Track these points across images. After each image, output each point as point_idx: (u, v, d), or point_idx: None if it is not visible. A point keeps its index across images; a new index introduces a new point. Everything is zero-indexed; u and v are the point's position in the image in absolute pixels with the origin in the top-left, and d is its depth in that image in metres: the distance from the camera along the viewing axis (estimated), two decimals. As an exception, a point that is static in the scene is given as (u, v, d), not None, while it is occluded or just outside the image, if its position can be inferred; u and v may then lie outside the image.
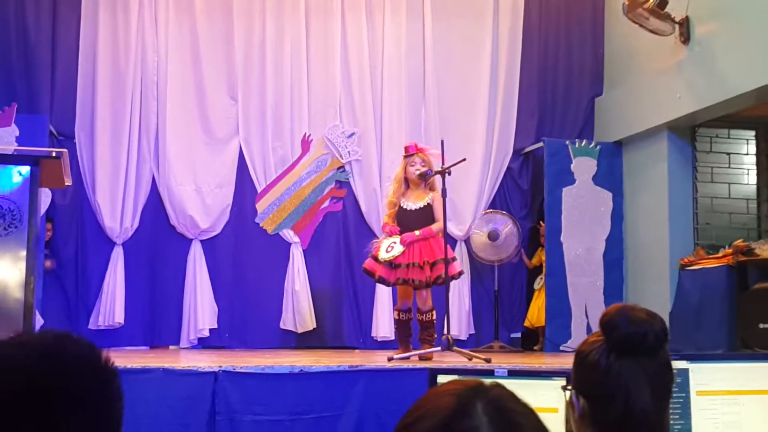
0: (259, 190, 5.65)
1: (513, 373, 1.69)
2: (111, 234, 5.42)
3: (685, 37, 4.92)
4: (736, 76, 4.44)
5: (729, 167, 5.28)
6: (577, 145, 5.64)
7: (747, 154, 5.44)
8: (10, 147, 4.37)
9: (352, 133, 5.74)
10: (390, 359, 3.60)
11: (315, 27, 5.77)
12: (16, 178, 3.02)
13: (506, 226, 5.60)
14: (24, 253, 3.02)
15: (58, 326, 5.23)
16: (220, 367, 3.03)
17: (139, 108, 5.52)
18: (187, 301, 5.46)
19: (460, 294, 5.57)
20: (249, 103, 5.66)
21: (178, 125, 5.54)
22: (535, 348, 5.64)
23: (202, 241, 5.55)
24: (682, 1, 4.85)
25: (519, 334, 5.82)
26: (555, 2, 6.06)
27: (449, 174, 3.80)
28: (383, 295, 5.46)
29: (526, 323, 5.77)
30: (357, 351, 5.39)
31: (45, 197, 4.88)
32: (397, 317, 4.14)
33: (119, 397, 0.71)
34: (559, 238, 5.51)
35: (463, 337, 5.56)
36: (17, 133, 4.80)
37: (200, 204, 5.53)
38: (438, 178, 3.95)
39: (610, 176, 5.64)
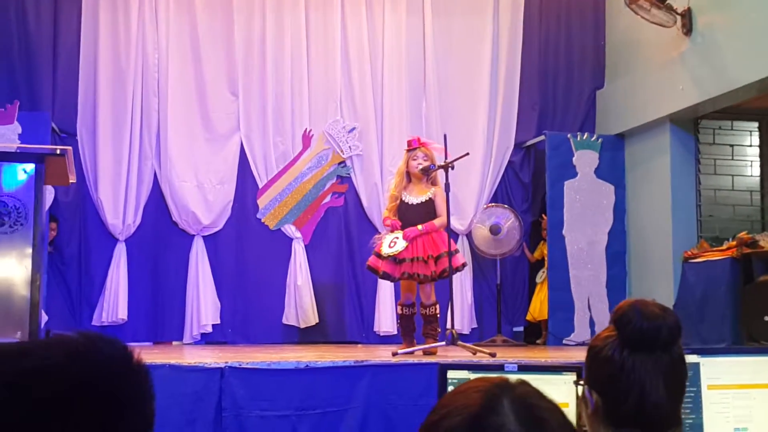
0: (260, 186, 5.65)
1: (523, 368, 1.69)
2: (113, 231, 5.43)
3: (687, 29, 4.91)
4: (738, 67, 4.43)
5: (732, 159, 5.28)
6: (578, 138, 5.64)
7: (750, 145, 5.44)
8: (13, 145, 4.37)
9: (353, 128, 5.73)
10: (394, 354, 3.60)
11: (315, 22, 5.76)
12: (21, 176, 3.01)
13: (508, 220, 5.60)
14: (30, 250, 3.02)
15: (62, 323, 5.27)
16: (226, 363, 3.03)
17: (140, 105, 5.51)
18: (189, 297, 5.47)
19: (462, 288, 5.58)
20: (250, 98, 5.65)
21: (179, 122, 5.54)
22: (538, 342, 5.65)
23: (204, 237, 5.55)
24: (684, -7, 4.84)
25: (521, 328, 5.83)
26: (556, -6, 6.05)
27: (452, 168, 3.80)
28: (385, 289, 5.47)
29: (529, 317, 5.78)
30: (360, 346, 5.40)
31: (48, 195, 4.88)
32: (400, 312, 4.14)
33: (152, 396, 0.71)
34: (561, 232, 5.51)
35: (466, 331, 5.56)
36: (20, 130, 4.79)
37: (202, 200, 5.53)
38: (441, 173, 3.94)
39: (612, 169, 5.63)
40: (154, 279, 5.51)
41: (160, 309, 5.49)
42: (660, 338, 1.23)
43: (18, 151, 3.60)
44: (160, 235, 5.53)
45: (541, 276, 5.74)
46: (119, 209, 5.42)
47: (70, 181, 3.35)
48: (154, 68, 5.55)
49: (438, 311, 4.08)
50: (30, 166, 3.05)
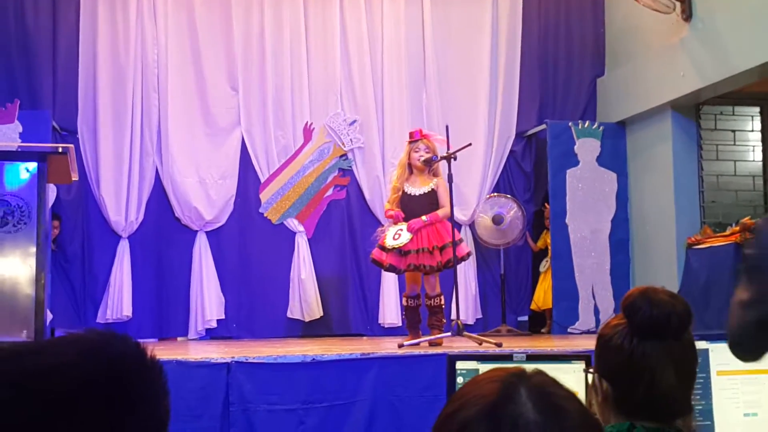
0: (262, 180, 5.65)
1: (531, 357, 1.69)
2: (116, 228, 5.43)
3: (687, 14, 4.88)
4: (739, 52, 4.41)
5: (734, 144, 5.26)
6: (580, 127, 5.62)
7: (752, 130, 5.42)
8: (14, 144, 4.36)
9: (354, 121, 5.72)
10: (401, 346, 3.61)
11: (314, 15, 5.74)
12: (24, 175, 3.01)
13: (511, 210, 5.60)
14: (34, 249, 3.03)
15: (66, 321, 5.28)
16: (232, 358, 3.04)
17: (140, 101, 5.50)
18: (194, 293, 5.48)
19: (466, 278, 5.58)
20: (250, 93, 5.64)
21: (180, 117, 5.53)
22: (543, 331, 5.66)
23: (207, 232, 5.55)
24: (683, -22, 4.81)
25: (526, 317, 5.84)
26: (555, -18, 6.02)
27: (455, 159, 3.79)
28: (389, 281, 5.47)
29: (533, 306, 5.78)
30: (365, 338, 5.41)
31: (50, 193, 4.87)
32: (405, 304, 4.14)
33: (166, 393, 0.71)
34: (564, 220, 5.51)
35: (471, 321, 5.57)
36: (20, 129, 4.78)
37: (204, 195, 5.53)
38: (443, 164, 3.93)
39: (614, 157, 5.62)
40: (157, 275, 5.51)
41: (164, 305, 5.50)
42: (670, 326, 1.23)
43: (20, 150, 3.60)
44: (163, 231, 5.53)
45: (545, 265, 5.74)
46: (121, 206, 5.42)
47: (73, 179, 3.35)
48: (154, 64, 5.53)
49: (443, 302, 4.08)
50: (32, 165, 3.05)
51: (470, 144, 4.00)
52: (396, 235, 3.90)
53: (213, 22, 5.64)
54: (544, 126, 5.72)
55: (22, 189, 3.02)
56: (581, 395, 1.52)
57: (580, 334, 5.33)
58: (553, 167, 5.55)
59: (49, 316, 4.59)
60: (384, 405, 3.07)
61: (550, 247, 5.60)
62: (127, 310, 5.32)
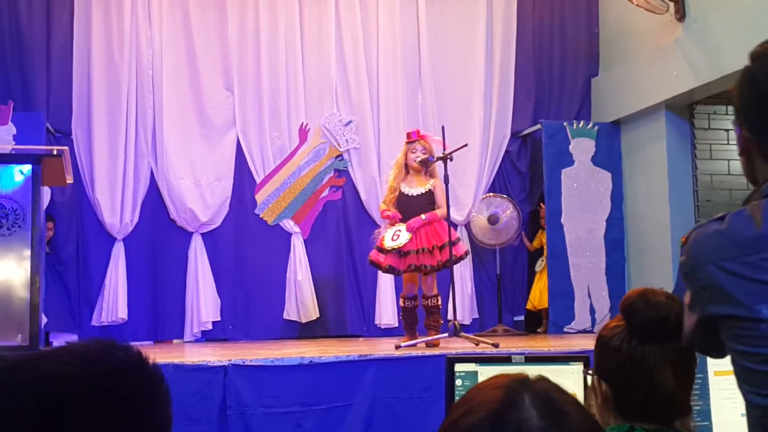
0: (258, 181, 5.64)
1: (530, 359, 1.69)
2: (111, 230, 5.40)
3: (680, 15, 4.90)
4: (732, 52, 4.43)
5: (728, 144, 5.28)
6: (575, 126, 5.64)
7: (745, 130, 5.43)
8: (8, 146, 4.34)
9: (350, 121, 5.72)
10: (398, 347, 3.61)
11: (309, 15, 5.73)
12: (18, 178, 3.00)
13: (506, 210, 5.61)
14: (28, 252, 3.01)
15: (61, 324, 5.26)
16: (229, 360, 3.04)
17: (135, 102, 5.48)
18: (189, 295, 5.46)
19: (462, 278, 5.58)
20: (245, 94, 5.63)
21: (175, 118, 5.51)
22: (539, 330, 5.67)
23: (202, 234, 5.54)
24: (676, -22, 4.83)
25: (522, 317, 5.85)
26: (549, -17, 6.03)
27: (451, 160, 3.79)
28: (385, 282, 5.47)
29: (529, 306, 5.79)
30: (361, 339, 5.41)
31: (44, 195, 4.85)
32: (403, 305, 4.14)
33: (168, 402, 0.71)
34: (559, 220, 5.52)
35: (467, 321, 5.58)
36: (14, 131, 4.76)
37: (199, 197, 5.51)
38: (439, 165, 3.94)
39: (608, 156, 5.64)
40: (153, 277, 5.49)
41: (160, 307, 5.48)
42: (668, 327, 1.23)
43: (14, 152, 3.58)
44: (158, 233, 5.52)
45: (540, 265, 5.75)
46: (116, 208, 5.40)
47: (68, 181, 3.33)
48: (148, 65, 5.51)
49: (440, 302, 4.09)
50: (27, 168, 3.03)
51: (466, 144, 4.01)
52: (395, 236, 3.90)
53: (208, 22, 5.62)
54: (539, 126, 5.73)
55: (16, 192, 3.01)
56: (580, 397, 1.53)
57: (576, 333, 5.34)
58: (549, 167, 5.57)
59: (44, 319, 4.57)
60: (382, 406, 3.07)
61: (545, 247, 5.61)
62: (122, 313, 5.30)
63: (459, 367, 1.66)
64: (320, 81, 5.71)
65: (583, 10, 6.05)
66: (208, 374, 3.00)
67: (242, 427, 2.97)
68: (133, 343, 0.72)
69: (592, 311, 5.48)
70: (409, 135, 4.17)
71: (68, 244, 5.37)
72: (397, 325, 5.25)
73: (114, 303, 5.31)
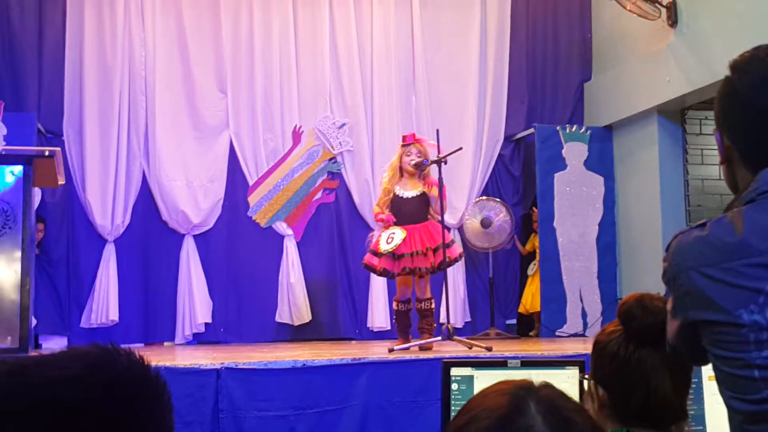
0: (250, 184, 5.62)
1: (526, 363, 1.69)
2: (102, 231, 5.37)
3: (673, 20, 4.94)
4: (724, 57, 4.38)
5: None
6: (567, 131, 5.66)
7: (736, 135, 5.47)
8: (-1, 147, 4.30)
9: (343, 124, 5.72)
10: (391, 350, 3.60)
11: (303, 17, 5.73)
12: (9, 179, 2.97)
13: (499, 213, 5.61)
14: (19, 254, 2.99)
15: (51, 327, 5.21)
16: (222, 364, 3.02)
17: (127, 103, 5.45)
18: (181, 297, 5.43)
19: (455, 282, 5.59)
20: (238, 95, 5.61)
21: (167, 120, 5.48)
22: (531, 334, 5.68)
23: (194, 236, 5.51)
24: (669, -16, 4.86)
25: (514, 321, 5.86)
26: (542, -13, 6.06)
27: (445, 163, 3.80)
28: (378, 285, 5.47)
29: (521, 309, 5.80)
30: (354, 342, 5.40)
31: (35, 196, 4.81)
32: (396, 308, 4.13)
33: (170, 410, 0.70)
34: (552, 224, 5.54)
35: (459, 324, 5.58)
36: (5, 131, 4.72)
37: (192, 199, 5.49)
38: (433, 168, 3.94)
39: (601, 161, 5.67)
40: (144, 279, 5.46)
41: (151, 310, 5.45)
42: (666, 333, 1.23)
43: (5, 153, 3.55)
44: (150, 235, 5.48)
45: (533, 268, 5.76)
46: (108, 210, 5.36)
47: (59, 182, 3.31)
48: (141, 66, 5.49)
49: (434, 306, 4.08)
50: (18, 169, 3.01)
51: (461, 148, 4.01)
52: (389, 239, 3.90)
53: (201, 24, 5.60)
54: (532, 130, 5.75)
55: (7, 193, 2.98)
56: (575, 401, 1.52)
57: (568, 337, 5.36)
58: (541, 171, 5.58)
59: (33, 321, 4.53)
60: (375, 410, 3.06)
61: (538, 251, 5.62)
62: (113, 315, 5.26)
63: (455, 371, 1.66)
64: (314, 83, 5.70)
65: (576, 16, 6.08)
66: (201, 377, 2.98)
67: (235, 430, 2.96)
68: (124, 346, 0.71)
69: (584, 315, 5.49)
70: (404, 138, 4.17)
71: (59, 245, 5.33)
72: (389, 328, 5.24)
73: (105, 305, 5.27)
